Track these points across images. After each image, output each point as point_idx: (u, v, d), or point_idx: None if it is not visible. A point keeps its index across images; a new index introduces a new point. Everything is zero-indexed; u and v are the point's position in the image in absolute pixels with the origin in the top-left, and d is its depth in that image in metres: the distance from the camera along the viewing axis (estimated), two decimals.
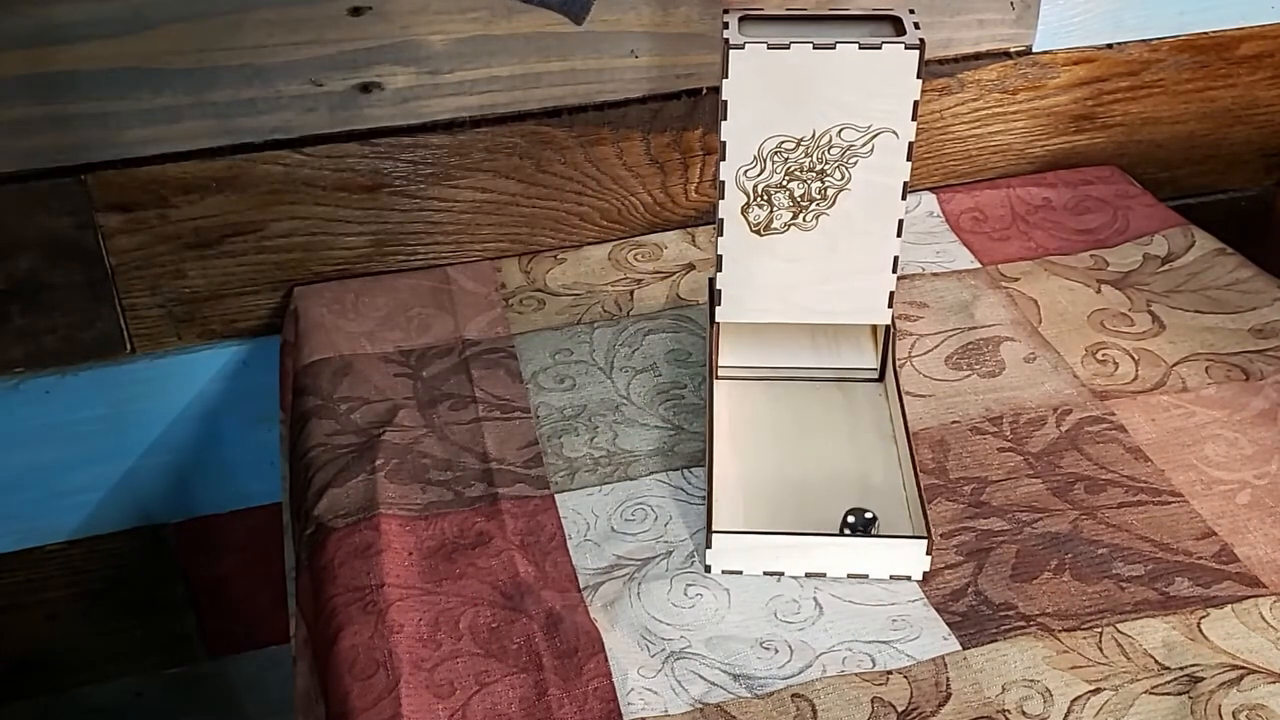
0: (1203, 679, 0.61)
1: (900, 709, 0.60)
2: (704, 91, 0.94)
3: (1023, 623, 0.64)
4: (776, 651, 0.63)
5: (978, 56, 1.00)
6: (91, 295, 0.90)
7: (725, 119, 0.69)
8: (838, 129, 0.69)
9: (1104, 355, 0.83)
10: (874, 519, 0.68)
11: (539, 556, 0.69)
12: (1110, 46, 1.03)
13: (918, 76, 0.67)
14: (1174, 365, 0.82)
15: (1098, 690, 0.60)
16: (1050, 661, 0.62)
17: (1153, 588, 0.66)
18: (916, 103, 0.68)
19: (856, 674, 0.62)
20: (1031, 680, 0.61)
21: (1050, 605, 0.65)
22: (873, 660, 0.63)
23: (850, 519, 0.68)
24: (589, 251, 0.96)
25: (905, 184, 0.71)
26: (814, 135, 0.70)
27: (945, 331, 0.86)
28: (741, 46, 0.67)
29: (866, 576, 0.67)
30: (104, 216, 0.87)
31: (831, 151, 0.70)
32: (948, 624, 0.64)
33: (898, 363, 0.81)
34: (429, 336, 0.87)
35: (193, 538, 1.04)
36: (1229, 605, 0.65)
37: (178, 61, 0.83)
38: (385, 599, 0.66)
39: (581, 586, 0.68)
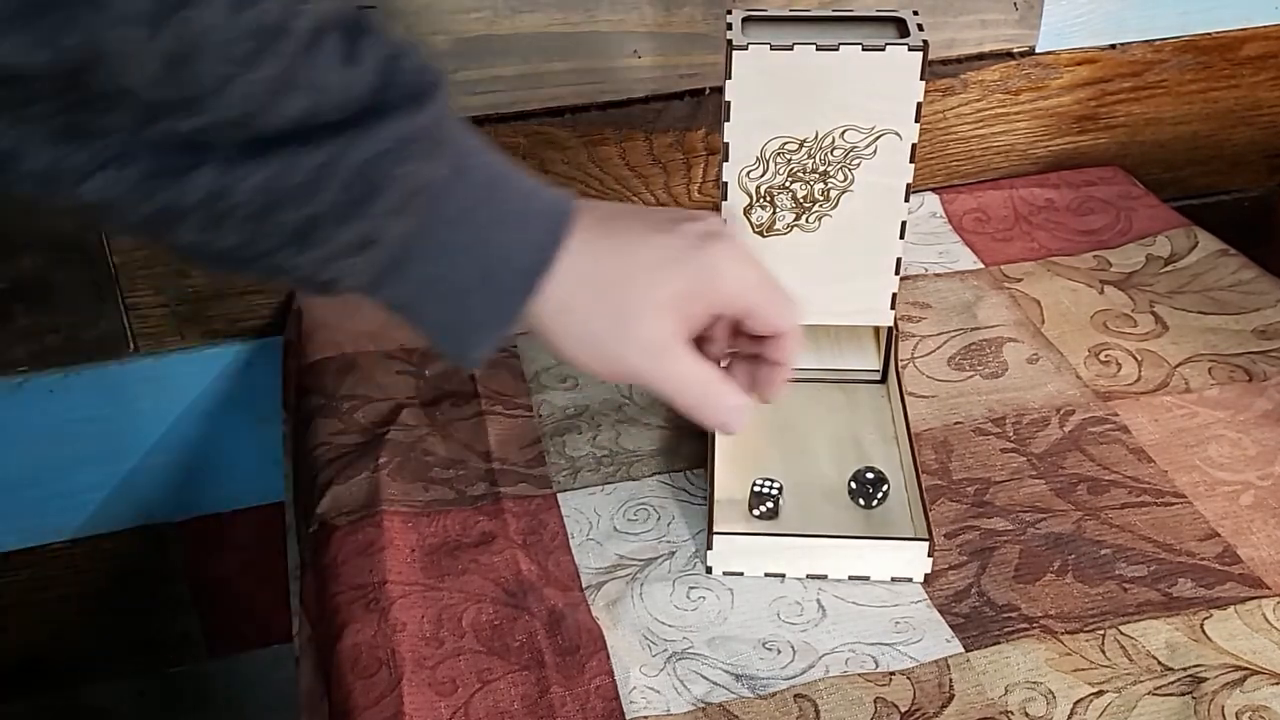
0: (1206, 680, 0.61)
1: (903, 709, 0.60)
2: (707, 92, 0.94)
3: (1025, 624, 0.64)
4: (779, 652, 0.63)
5: (980, 57, 1.00)
6: (95, 295, 0.90)
7: (728, 120, 0.69)
8: (841, 130, 0.69)
9: (1107, 356, 0.83)
10: (881, 479, 0.69)
11: (541, 555, 0.69)
12: (1113, 47, 1.03)
13: (921, 78, 0.67)
14: (1177, 366, 0.82)
15: (1101, 692, 0.60)
16: (1053, 663, 0.62)
17: (1156, 589, 0.66)
18: (920, 104, 0.68)
19: (859, 674, 0.62)
20: (1034, 682, 0.61)
21: (1053, 607, 0.65)
22: (876, 661, 0.62)
23: (854, 484, 0.69)
24: None
25: (908, 185, 0.71)
26: (817, 136, 0.69)
27: (948, 332, 0.86)
28: (745, 47, 0.67)
29: (868, 578, 0.67)
30: None
31: (834, 153, 0.70)
32: (950, 625, 0.64)
33: (900, 364, 0.81)
34: None
35: (195, 537, 1.04)
36: (1232, 606, 0.65)
37: None
38: (388, 596, 0.66)
39: (584, 585, 0.67)
